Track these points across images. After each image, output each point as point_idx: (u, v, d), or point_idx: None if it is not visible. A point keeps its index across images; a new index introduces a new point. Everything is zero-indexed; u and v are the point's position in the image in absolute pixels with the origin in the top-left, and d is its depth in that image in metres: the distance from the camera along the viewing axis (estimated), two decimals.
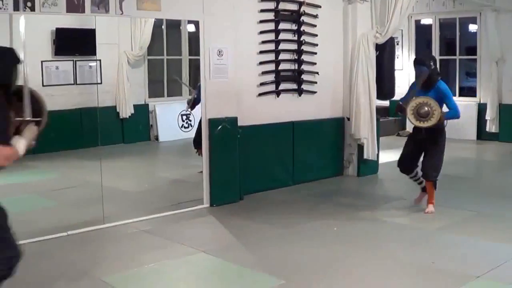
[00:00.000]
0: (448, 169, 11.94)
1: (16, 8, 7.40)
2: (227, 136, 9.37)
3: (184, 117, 15.33)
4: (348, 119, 11.39)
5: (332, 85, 11.41)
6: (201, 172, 9.57)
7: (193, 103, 11.83)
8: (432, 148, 8.75)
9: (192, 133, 12.57)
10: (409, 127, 17.58)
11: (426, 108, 8.50)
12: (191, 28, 16.75)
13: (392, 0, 11.01)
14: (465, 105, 16.66)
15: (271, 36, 10.41)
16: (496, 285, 6.13)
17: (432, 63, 8.66)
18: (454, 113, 8.67)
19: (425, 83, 8.65)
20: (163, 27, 16.58)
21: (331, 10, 11.25)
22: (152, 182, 11.40)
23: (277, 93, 10.53)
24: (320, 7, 10.98)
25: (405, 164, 9.04)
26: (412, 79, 14.94)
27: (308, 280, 6.31)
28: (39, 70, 14.09)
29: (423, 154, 8.93)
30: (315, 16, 10.93)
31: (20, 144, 4.76)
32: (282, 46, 10.53)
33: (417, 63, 8.79)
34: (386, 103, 16.77)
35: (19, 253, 4.88)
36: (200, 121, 11.24)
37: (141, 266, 6.63)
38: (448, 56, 17.70)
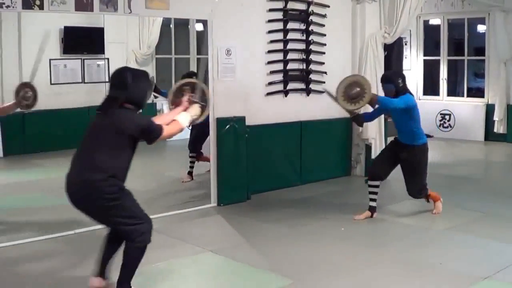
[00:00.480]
0: (456, 170, 11.96)
1: (24, 6, 7.40)
2: (235, 135, 9.38)
3: None
4: None
5: None
6: (209, 171, 9.60)
7: None
8: (414, 168, 8.51)
9: None
10: None
11: (357, 89, 8.05)
12: (199, 27, 16.78)
13: (400, 0, 11.01)
14: (473, 106, 16.71)
15: (280, 36, 10.40)
16: (504, 286, 6.12)
17: (400, 81, 8.29)
18: (386, 100, 8.20)
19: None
20: (171, 26, 16.61)
21: (339, 10, 11.23)
22: (159, 181, 11.39)
23: (285, 92, 10.52)
24: (328, 6, 10.98)
25: (378, 169, 8.65)
26: (413, 80, 14.94)
27: (315, 279, 6.31)
28: (47, 68, 14.13)
29: (404, 174, 8.60)
30: (324, 16, 10.92)
31: (184, 117, 6.02)
32: (290, 45, 10.52)
33: (383, 81, 8.47)
34: None
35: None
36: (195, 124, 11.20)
37: (149, 264, 6.61)
38: (456, 57, 17.68)
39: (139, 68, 14.51)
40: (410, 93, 8.38)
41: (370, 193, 8.70)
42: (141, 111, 5.76)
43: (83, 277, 6.31)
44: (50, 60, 14.15)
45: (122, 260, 5.62)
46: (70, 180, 5.46)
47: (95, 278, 5.81)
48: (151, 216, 8.46)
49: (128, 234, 5.58)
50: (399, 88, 8.25)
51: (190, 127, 10.67)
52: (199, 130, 10.50)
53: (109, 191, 5.33)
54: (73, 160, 5.52)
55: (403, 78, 8.47)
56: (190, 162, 11.20)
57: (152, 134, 5.59)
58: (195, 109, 6.21)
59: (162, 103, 15.34)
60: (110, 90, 5.57)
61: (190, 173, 11.19)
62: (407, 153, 8.41)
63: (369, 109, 9.06)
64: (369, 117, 8.93)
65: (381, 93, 8.84)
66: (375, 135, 11.19)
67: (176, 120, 5.93)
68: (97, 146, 5.42)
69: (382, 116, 11.00)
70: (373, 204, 8.68)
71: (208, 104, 6.56)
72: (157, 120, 5.87)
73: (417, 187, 8.57)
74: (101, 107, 5.54)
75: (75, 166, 5.48)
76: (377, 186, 8.69)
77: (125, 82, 5.49)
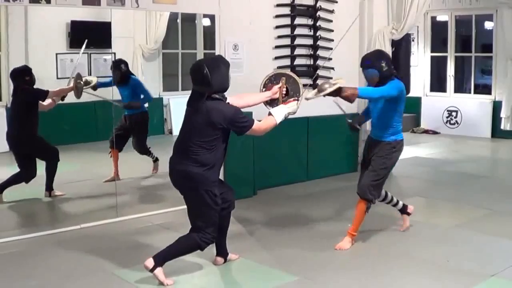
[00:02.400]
0: (463, 167, 11.93)
1: (32, 0, 7.39)
2: None
3: None
4: None
5: (348, 81, 11.29)
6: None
7: None
8: (375, 160, 7.28)
9: None
10: (423, 125, 17.62)
11: (326, 85, 6.80)
12: (206, 22, 16.71)
13: None
14: (480, 103, 16.69)
15: (287, 31, 10.38)
16: (511, 284, 6.10)
17: (384, 64, 7.07)
18: (369, 91, 7.07)
19: (378, 86, 7.08)
20: (178, 20, 16.56)
21: (347, 6, 11.20)
22: (165, 176, 11.35)
23: None
24: (336, 2, 10.95)
25: None
26: (420, 76, 14.87)
27: (321, 276, 6.30)
28: (53, 63, 14.12)
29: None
30: (331, 11, 10.90)
31: (280, 112, 6.21)
32: (297, 41, 10.50)
33: (363, 66, 7.28)
34: None
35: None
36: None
37: None
38: (463, 53, 17.63)
39: (146, 62, 14.60)
40: (398, 78, 7.24)
41: (390, 205, 7.89)
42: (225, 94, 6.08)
43: (87, 272, 6.33)
44: (56, 54, 14.13)
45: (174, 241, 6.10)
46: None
47: (217, 257, 6.63)
48: (159, 211, 8.53)
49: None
50: (383, 72, 7.08)
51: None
52: None
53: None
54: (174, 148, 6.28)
55: (388, 60, 7.27)
56: None
57: (241, 124, 5.97)
58: (292, 104, 6.36)
59: (168, 98, 15.34)
60: (194, 85, 5.96)
61: None
62: (377, 149, 7.33)
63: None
64: (366, 117, 7.96)
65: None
66: None
67: (271, 115, 6.21)
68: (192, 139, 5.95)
69: None
70: (398, 207, 7.90)
71: (301, 88, 6.66)
72: (239, 96, 6.52)
73: (371, 178, 7.25)
74: (190, 103, 6.04)
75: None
76: (384, 200, 7.75)
77: (208, 79, 5.79)
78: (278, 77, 6.70)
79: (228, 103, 6.09)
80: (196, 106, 5.93)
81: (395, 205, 7.84)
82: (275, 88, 6.59)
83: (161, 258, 5.99)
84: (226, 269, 6.67)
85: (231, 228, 8.21)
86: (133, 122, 10.36)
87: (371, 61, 7.17)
